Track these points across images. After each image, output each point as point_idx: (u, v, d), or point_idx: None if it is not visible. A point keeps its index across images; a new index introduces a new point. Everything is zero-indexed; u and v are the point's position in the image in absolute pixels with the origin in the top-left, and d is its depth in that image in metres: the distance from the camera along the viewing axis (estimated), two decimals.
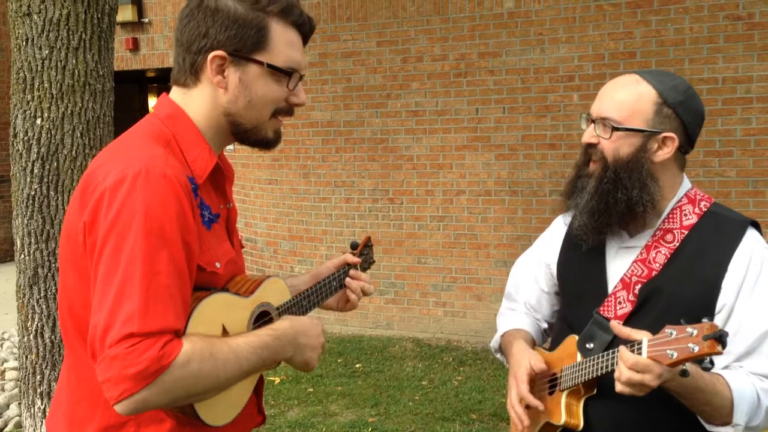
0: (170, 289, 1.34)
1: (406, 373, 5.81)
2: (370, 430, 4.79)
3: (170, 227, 1.36)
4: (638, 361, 1.51)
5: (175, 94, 1.58)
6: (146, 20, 9.13)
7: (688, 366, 1.46)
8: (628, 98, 1.79)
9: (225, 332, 1.48)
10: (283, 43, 1.54)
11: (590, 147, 1.84)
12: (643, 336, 1.54)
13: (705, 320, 1.46)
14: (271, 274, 1.72)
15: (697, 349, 1.42)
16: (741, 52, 5.60)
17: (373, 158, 6.79)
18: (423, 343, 6.50)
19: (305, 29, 1.60)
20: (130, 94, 10.61)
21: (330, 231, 7.01)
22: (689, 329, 1.45)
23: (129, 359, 1.26)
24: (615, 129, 1.77)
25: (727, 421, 1.67)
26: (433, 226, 6.65)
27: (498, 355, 2.12)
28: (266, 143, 1.62)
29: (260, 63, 1.52)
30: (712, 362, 1.44)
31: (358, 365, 6.03)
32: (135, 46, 9.22)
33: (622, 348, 1.56)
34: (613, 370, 1.64)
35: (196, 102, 1.55)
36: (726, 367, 1.72)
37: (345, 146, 6.88)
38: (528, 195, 6.29)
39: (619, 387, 1.56)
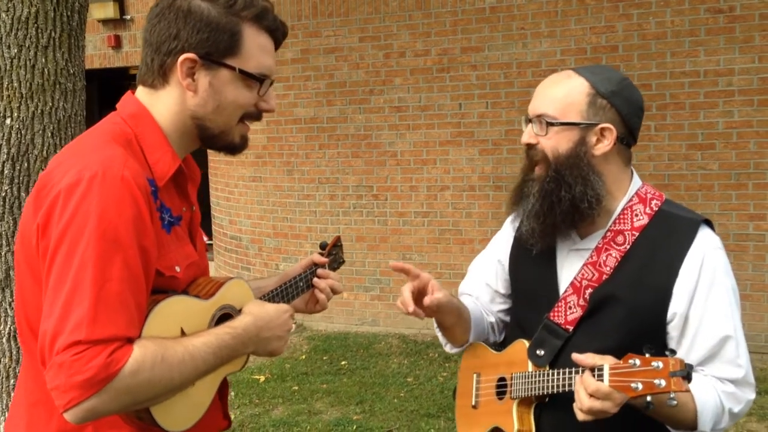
0: (122, 296, 1.31)
1: (391, 370, 5.79)
2: (354, 428, 4.77)
3: (125, 232, 1.33)
4: (599, 389, 1.48)
5: (142, 94, 1.55)
6: (128, 17, 9.05)
7: (652, 398, 1.44)
8: (560, 93, 1.76)
9: (183, 335, 1.45)
10: (255, 48, 1.51)
11: (530, 148, 1.80)
12: (604, 362, 1.51)
13: (668, 353, 1.44)
14: (233, 276, 1.69)
15: (663, 384, 1.40)
16: (722, 45, 5.60)
17: (357, 154, 6.76)
18: (409, 340, 6.49)
19: (278, 35, 1.57)
20: (114, 92, 10.53)
21: (314, 228, 6.97)
22: (654, 363, 1.42)
23: (75, 367, 1.24)
24: (550, 124, 1.74)
25: (692, 427, 1.65)
26: (417, 222, 6.63)
27: (438, 332, 2.07)
28: (232, 148, 1.60)
29: (232, 68, 1.49)
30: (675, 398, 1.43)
31: (343, 362, 6.01)
32: (117, 44, 9.15)
33: (586, 374, 1.53)
34: (569, 390, 1.62)
35: (163, 104, 1.52)
36: None
37: (328, 143, 6.85)
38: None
39: (581, 416, 1.53)
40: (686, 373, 1.40)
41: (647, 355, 1.44)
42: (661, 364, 1.41)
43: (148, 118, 1.51)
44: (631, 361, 1.45)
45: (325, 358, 6.15)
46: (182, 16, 1.47)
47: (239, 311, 1.60)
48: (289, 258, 7.09)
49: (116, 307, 1.30)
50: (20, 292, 1.50)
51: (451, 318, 1.92)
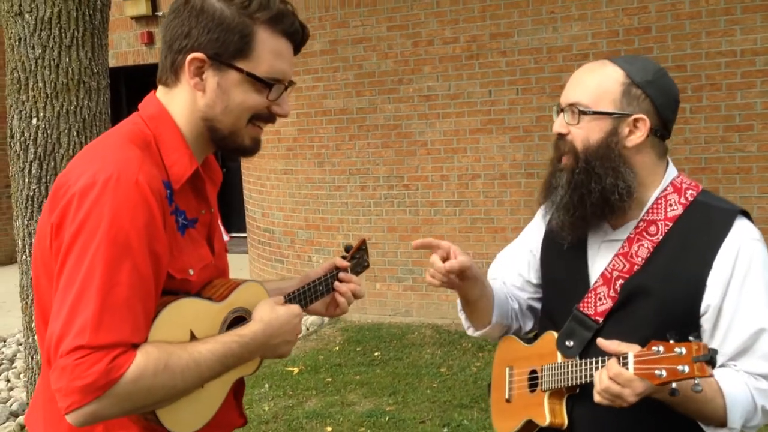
0: (129, 301, 1.31)
1: (424, 361, 5.78)
2: (387, 419, 4.77)
3: (137, 237, 1.33)
4: (621, 374, 1.46)
5: (161, 93, 1.55)
6: (161, 14, 9.14)
7: (677, 384, 1.42)
8: (594, 81, 1.71)
9: (193, 338, 1.44)
10: (268, 52, 1.48)
11: (560, 138, 1.75)
12: (629, 350, 1.49)
13: (692, 338, 1.41)
14: (249, 279, 1.67)
15: (687, 370, 1.38)
16: (759, 23, 5.43)
17: (387, 145, 6.73)
18: (442, 330, 6.46)
19: (297, 38, 1.53)
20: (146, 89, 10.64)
21: (346, 219, 6.98)
22: (677, 349, 1.40)
23: (77, 372, 1.25)
24: (582, 113, 1.69)
25: (722, 424, 1.60)
26: (449, 211, 6.59)
27: (461, 314, 2.03)
28: (243, 151, 1.57)
29: (240, 70, 1.46)
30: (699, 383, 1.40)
31: (376, 353, 6.01)
32: (150, 40, 9.25)
33: (612, 360, 1.51)
34: None
35: (177, 103, 1.51)
36: (721, 365, 1.64)
37: (358, 133, 6.83)
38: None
39: (597, 397, 1.53)
40: (709, 357, 1.37)
41: (671, 341, 1.42)
42: (684, 350, 1.39)
43: (167, 120, 1.51)
44: (654, 348, 1.43)
45: (358, 349, 6.15)
46: (195, 15, 1.45)
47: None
48: (321, 250, 7.11)
49: (122, 313, 1.30)
50: (37, 289, 1.51)
51: (476, 290, 1.87)
